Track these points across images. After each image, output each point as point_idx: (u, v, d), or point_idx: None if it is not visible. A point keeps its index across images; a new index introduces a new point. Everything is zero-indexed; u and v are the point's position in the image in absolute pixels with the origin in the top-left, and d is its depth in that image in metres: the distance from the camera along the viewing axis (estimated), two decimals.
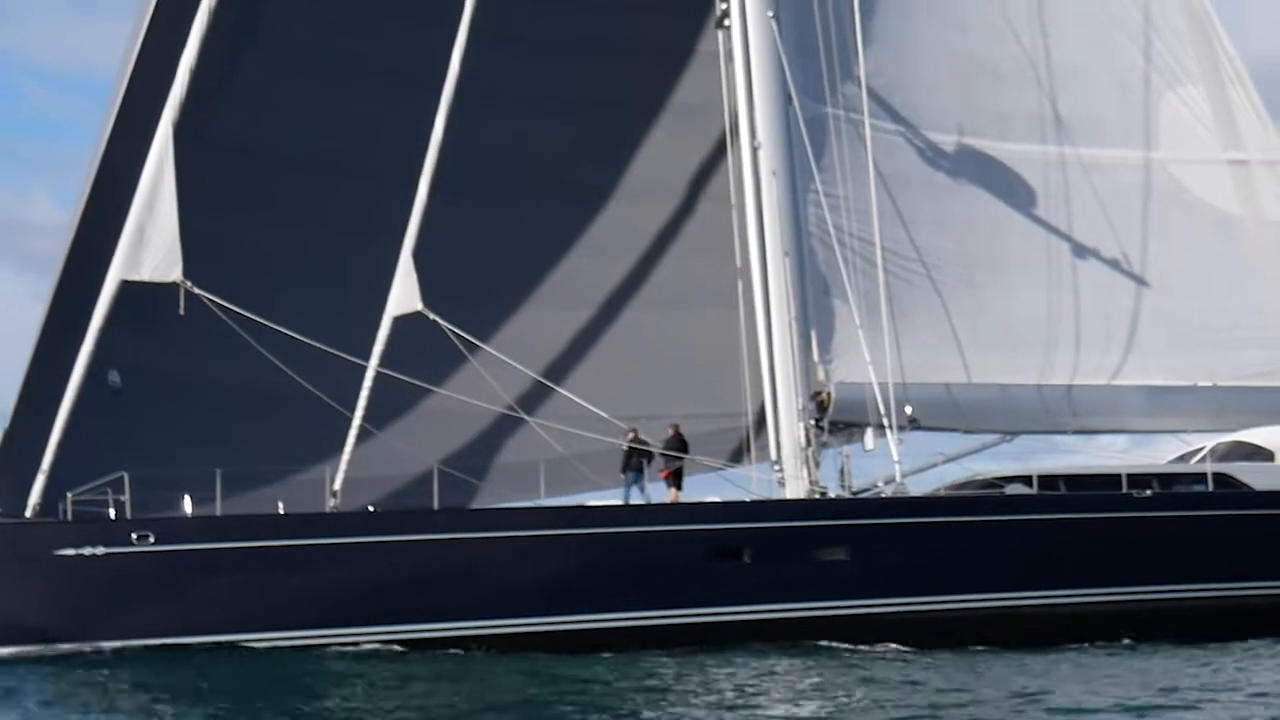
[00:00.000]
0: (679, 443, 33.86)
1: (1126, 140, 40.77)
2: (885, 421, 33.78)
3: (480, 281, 36.21)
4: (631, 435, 33.67)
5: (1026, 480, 34.04)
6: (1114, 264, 39.83)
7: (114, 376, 32.16)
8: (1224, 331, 39.59)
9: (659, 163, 38.66)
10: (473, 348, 33.69)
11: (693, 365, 36.87)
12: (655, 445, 33.71)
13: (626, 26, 37.97)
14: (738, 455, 36.57)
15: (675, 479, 33.74)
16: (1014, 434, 37.33)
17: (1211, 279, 40.16)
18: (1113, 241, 39.94)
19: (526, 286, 37.46)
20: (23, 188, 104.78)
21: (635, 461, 33.45)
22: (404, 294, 32.44)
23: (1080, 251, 39.66)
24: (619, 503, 33.64)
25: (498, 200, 37.13)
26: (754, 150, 35.54)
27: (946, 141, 38.97)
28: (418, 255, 32.84)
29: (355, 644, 30.45)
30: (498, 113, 37.00)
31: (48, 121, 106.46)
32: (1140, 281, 39.86)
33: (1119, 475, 34.15)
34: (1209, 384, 38.72)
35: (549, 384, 35.27)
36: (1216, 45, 41.72)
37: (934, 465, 34.93)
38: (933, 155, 38.78)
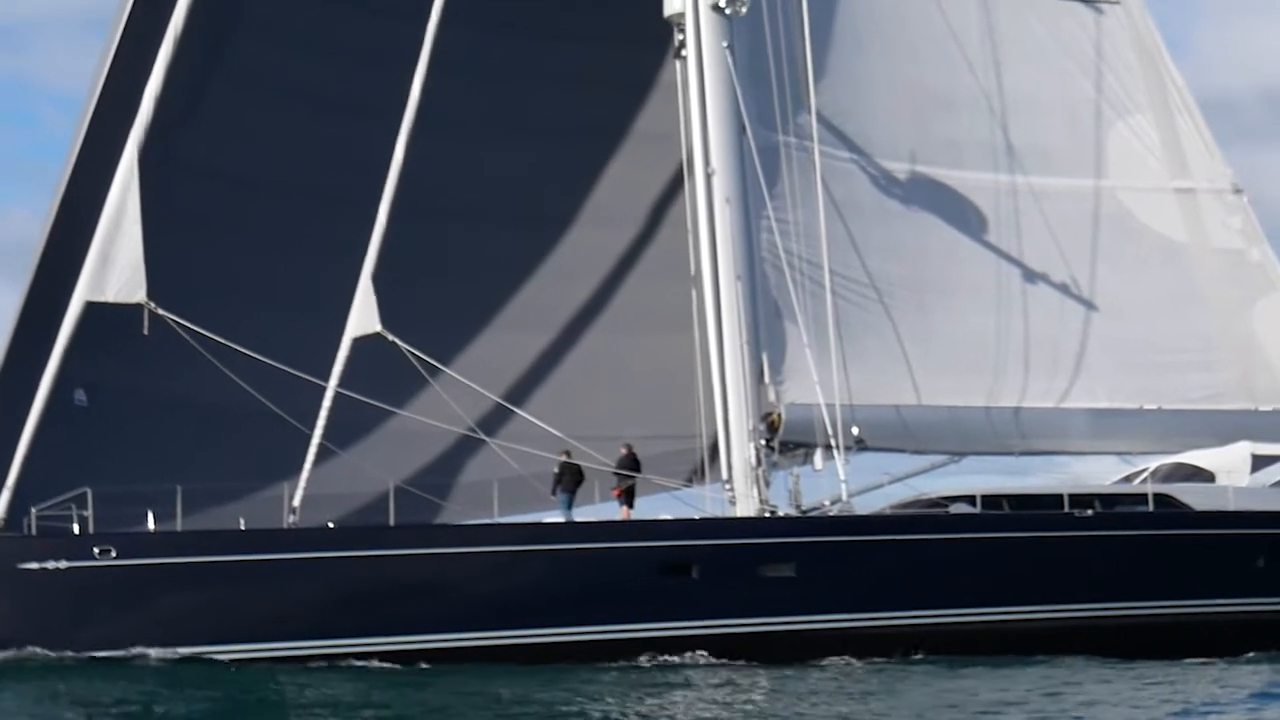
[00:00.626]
0: (632, 462, 34.13)
1: (1077, 169, 41.15)
2: (832, 442, 34.01)
3: (444, 304, 36.53)
4: (564, 456, 33.86)
5: (971, 500, 34.29)
6: (1063, 289, 40.17)
7: (80, 395, 32.38)
8: (1169, 355, 39.94)
9: (621, 190, 39.06)
10: (433, 369, 33.95)
11: (652, 387, 37.15)
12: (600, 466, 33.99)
13: (591, 57, 38.32)
14: (695, 474, 36.92)
15: (628, 497, 33.98)
16: (962, 455, 37.62)
17: (1158, 304, 40.53)
18: (1062, 267, 40.28)
19: (490, 309, 37.81)
20: (42, 210, 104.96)
21: (567, 483, 33.59)
22: (363, 315, 32.72)
23: (1030, 276, 40.00)
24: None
25: (462, 224, 37.54)
26: (708, 177, 35.80)
27: (900, 169, 39.28)
28: (380, 278, 33.16)
29: (314, 657, 30.64)
30: (462, 139, 37.41)
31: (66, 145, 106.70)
32: (1089, 306, 40.20)
33: (1061, 495, 34.40)
34: (1154, 407, 39.10)
35: (507, 405, 35.51)
36: (1166, 77, 42.16)
37: (880, 485, 35.09)
38: (886, 183, 39.09)
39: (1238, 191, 41.91)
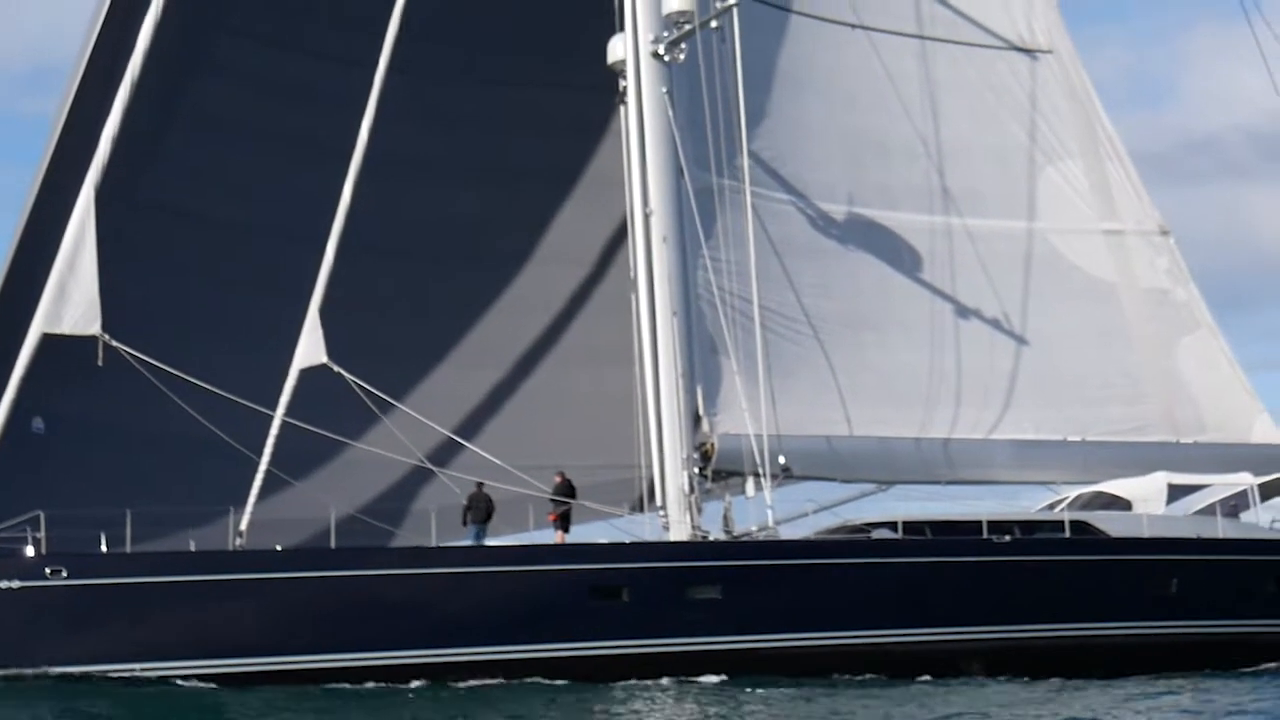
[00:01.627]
0: (567, 488, 34.54)
1: (1009, 211, 41.80)
2: (759, 471, 34.46)
3: (396, 338, 37.06)
4: (477, 487, 34.26)
5: (893, 526, 34.69)
6: (994, 325, 40.75)
7: (38, 423, 32.81)
8: (1094, 390, 40.53)
9: (572, 231, 39.64)
10: (379, 399, 34.41)
11: (594, 418, 37.57)
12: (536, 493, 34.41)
13: (544, 103, 39.00)
14: (639, 503, 37.33)
15: (563, 522, 34.38)
16: (890, 483, 38.03)
17: (1086, 340, 41.12)
18: (994, 304, 40.86)
19: (441, 344, 38.30)
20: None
21: (476, 514, 33.96)
22: (310, 348, 33.21)
23: (963, 313, 40.55)
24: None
25: (415, 262, 38.08)
26: (645, 217, 36.32)
27: (836, 211, 39.87)
28: (332, 312, 33.65)
29: (259, 674, 30.90)
30: (417, 180, 38.02)
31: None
32: (1019, 342, 40.77)
33: (980, 522, 34.75)
34: (1078, 438, 39.59)
35: (451, 435, 35.96)
36: (1096, 124, 42.85)
37: (804, 515, 35.44)
38: (823, 224, 39.67)
39: (1164, 233, 42.57)
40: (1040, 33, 43.10)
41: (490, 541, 34.40)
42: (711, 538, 35.01)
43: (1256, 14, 42.90)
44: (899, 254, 40.22)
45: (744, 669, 32.30)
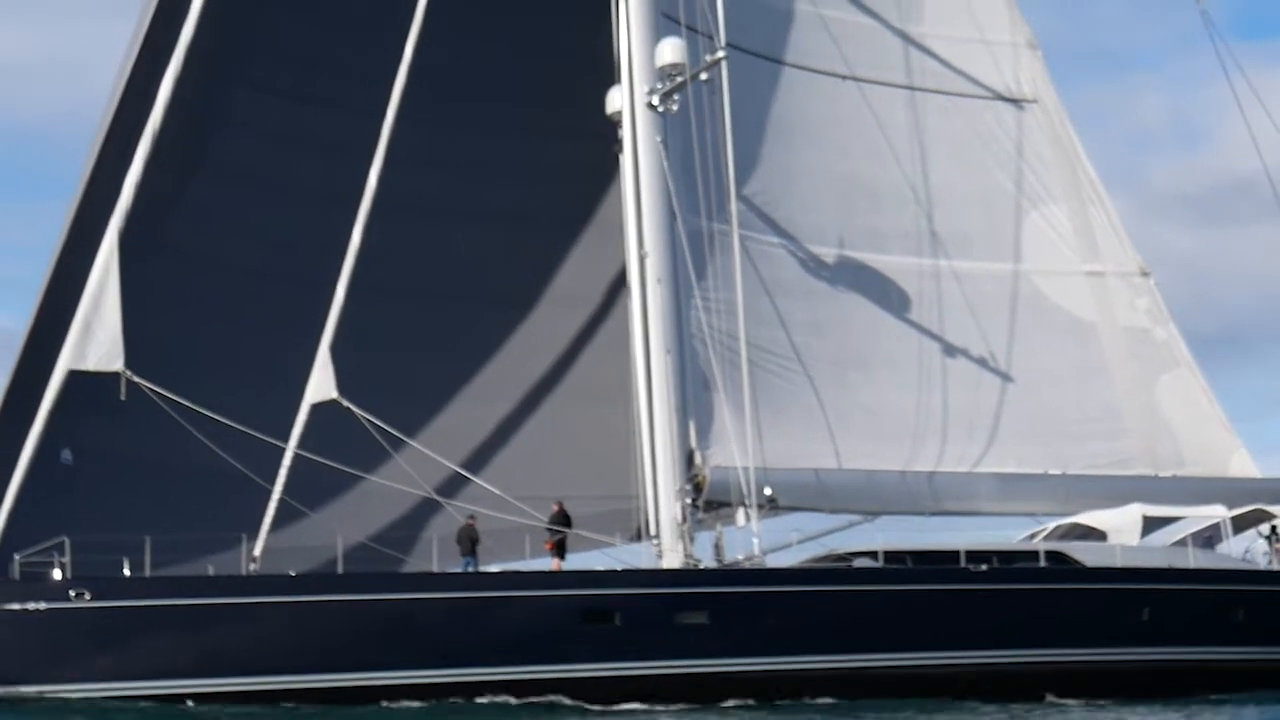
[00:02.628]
0: (563, 518, 35.35)
1: (995, 254, 42.52)
2: (746, 501, 35.27)
3: (406, 374, 37.91)
4: (469, 521, 35.03)
5: (874, 555, 35.40)
6: (981, 363, 41.43)
7: (66, 454, 33.79)
8: (1075, 425, 41.18)
9: (578, 273, 40.53)
10: (386, 433, 35.33)
11: (593, 451, 38.37)
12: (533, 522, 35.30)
13: (550, 151, 39.81)
14: (637, 532, 38.16)
15: (559, 550, 35.22)
16: (876, 514, 38.67)
17: (1067, 378, 41.80)
18: (980, 343, 41.53)
19: (451, 380, 39.09)
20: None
21: (463, 547, 34.72)
22: (321, 384, 34.19)
23: (950, 352, 41.26)
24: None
25: (425, 302, 38.97)
26: (641, 259, 37.25)
27: (827, 254, 40.65)
28: (343, 350, 34.65)
29: (271, 693, 31.76)
30: (428, 225, 38.97)
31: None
32: (1004, 379, 41.43)
33: (958, 551, 35.45)
34: (1059, 472, 40.22)
35: (455, 468, 36.83)
36: (1079, 169, 43.62)
37: (789, 545, 36.13)
38: (814, 266, 40.47)
39: (1145, 274, 43.29)
40: (1026, 83, 43.94)
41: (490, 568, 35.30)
42: (703, 566, 35.82)
43: (1235, 69, 43.66)
44: (888, 295, 40.97)
45: (729, 692, 33.13)
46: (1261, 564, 39.10)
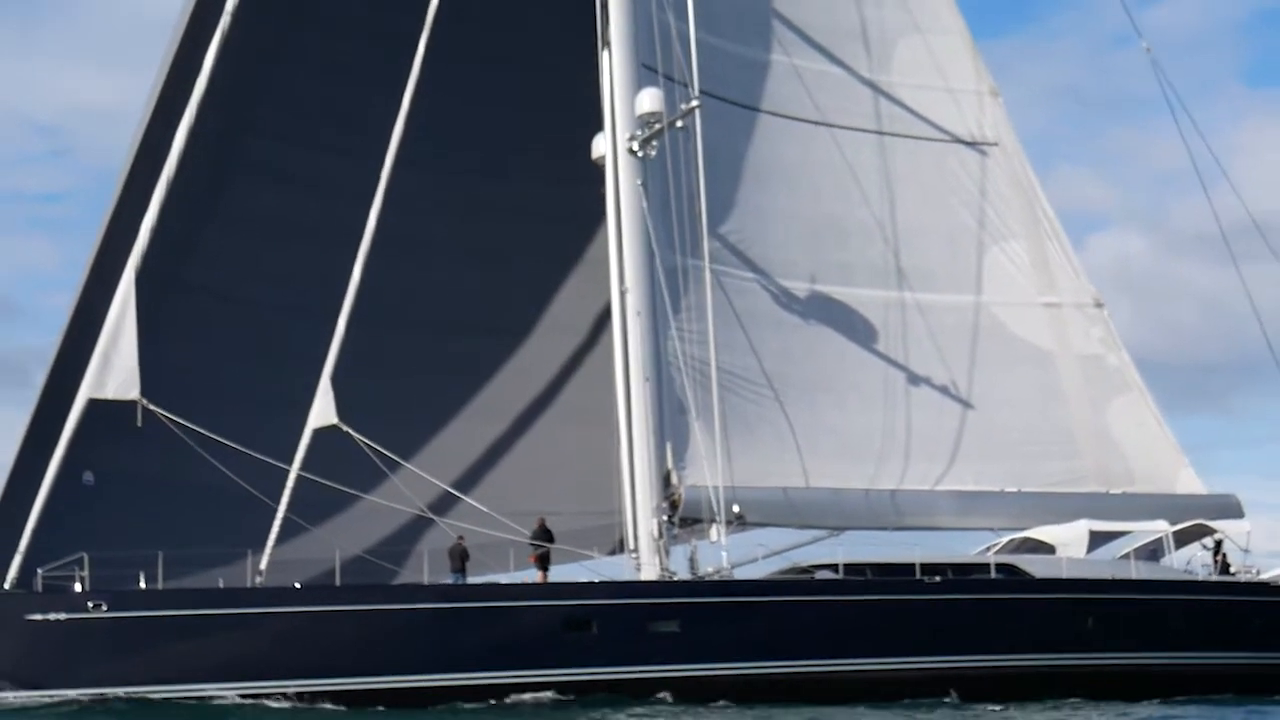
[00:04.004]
0: (544, 532, 36.46)
1: (957, 287, 43.56)
2: (715, 518, 36.35)
3: (404, 399, 39.04)
4: (459, 540, 36.05)
5: (835, 568, 36.41)
6: (942, 390, 42.44)
7: (88, 476, 34.91)
8: (1030, 446, 42.12)
9: (568, 306, 41.78)
10: (383, 455, 36.49)
11: (578, 471, 39.52)
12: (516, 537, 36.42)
13: (542, 193, 41.05)
14: (619, 546, 39.29)
15: (542, 563, 36.31)
16: (841, 530, 39.65)
17: (1024, 402, 42.76)
18: (942, 371, 42.55)
19: (447, 404, 40.23)
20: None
21: (453, 563, 35.74)
22: (323, 410, 35.38)
23: (914, 379, 42.28)
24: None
25: (424, 333, 40.11)
26: (621, 294, 38.41)
27: (798, 287, 41.71)
28: (344, 379, 35.84)
29: (276, 694, 32.84)
30: (429, 261, 40.23)
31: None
32: (965, 404, 42.41)
33: (914, 564, 36.45)
34: (1015, 489, 41.23)
35: (447, 488, 37.93)
36: (1037, 208, 44.67)
37: (754, 560, 37.13)
38: (786, 299, 41.56)
39: (1099, 305, 44.32)
40: (988, 128, 45.01)
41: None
42: (678, 578, 36.89)
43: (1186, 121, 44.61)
44: (855, 325, 42.00)
45: (699, 694, 34.11)
46: (1201, 575, 39.95)
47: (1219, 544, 40.78)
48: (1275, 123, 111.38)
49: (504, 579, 37.11)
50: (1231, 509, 42.44)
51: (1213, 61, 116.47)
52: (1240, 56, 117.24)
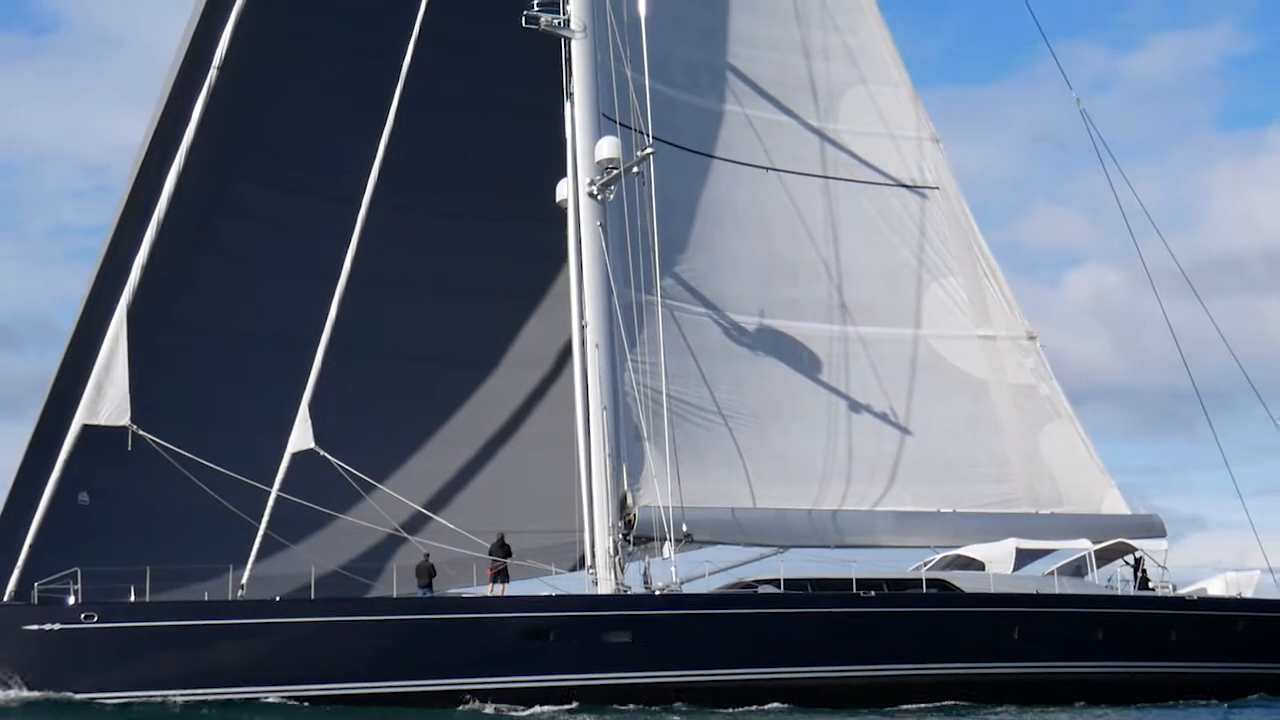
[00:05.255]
0: (503, 547, 37.68)
1: (898, 321, 44.91)
2: (667, 536, 37.66)
3: (378, 426, 40.46)
4: (424, 559, 37.25)
5: (776, 583, 37.68)
6: (882, 417, 43.75)
7: (83, 496, 36.22)
8: (966, 469, 43.46)
9: (534, 339, 43.20)
10: (357, 477, 37.75)
11: (545, 492, 40.83)
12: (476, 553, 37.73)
13: (509, 233, 42.56)
14: (580, 562, 40.59)
15: (500, 577, 37.55)
16: (786, 548, 40.90)
17: (960, 428, 44.11)
18: (882, 399, 43.87)
19: (419, 430, 41.71)
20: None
21: (420, 579, 36.98)
22: (301, 435, 36.67)
23: (855, 407, 43.60)
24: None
25: (398, 363, 41.54)
26: (581, 328, 39.76)
27: (748, 322, 43.04)
28: (321, 406, 37.13)
29: (253, 699, 34.05)
30: (404, 297, 41.66)
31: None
32: (903, 430, 43.73)
33: (850, 580, 37.71)
34: (950, 510, 42.58)
35: (418, 508, 39.25)
36: (975, 247, 46.07)
37: (702, 575, 38.35)
38: (736, 332, 42.91)
39: (1032, 338, 45.74)
40: (929, 172, 46.46)
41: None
42: (632, 592, 38.17)
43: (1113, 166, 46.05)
44: (801, 357, 43.31)
45: (650, 700, 35.39)
46: (1121, 590, 41.31)
47: (1139, 561, 42.12)
48: (1246, 164, 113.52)
49: (467, 593, 38.44)
50: (1155, 528, 43.85)
51: (1186, 107, 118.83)
52: (1212, 101, 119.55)
